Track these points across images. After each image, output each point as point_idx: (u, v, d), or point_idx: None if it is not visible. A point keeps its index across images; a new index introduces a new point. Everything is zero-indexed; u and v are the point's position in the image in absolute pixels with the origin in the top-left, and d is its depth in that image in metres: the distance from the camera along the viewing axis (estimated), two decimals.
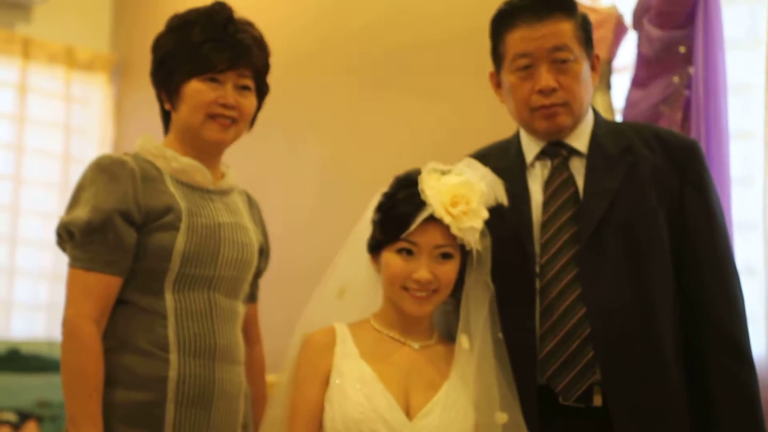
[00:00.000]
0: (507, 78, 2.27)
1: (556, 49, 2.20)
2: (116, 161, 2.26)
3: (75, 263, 2.20)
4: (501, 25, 2.28)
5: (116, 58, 6.58)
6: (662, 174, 2.21)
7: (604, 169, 2.23)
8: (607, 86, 3.71)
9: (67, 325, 2.17)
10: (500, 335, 2.15)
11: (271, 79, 2.45)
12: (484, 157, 2.31)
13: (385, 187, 2.20)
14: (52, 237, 2.33)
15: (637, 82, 3.56)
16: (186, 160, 2.32)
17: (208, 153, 2.37)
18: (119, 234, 2.19)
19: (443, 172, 2.14)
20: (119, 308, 2.23)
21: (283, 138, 5.17)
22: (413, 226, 2.07)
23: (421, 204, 2.07)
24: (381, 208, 2.16)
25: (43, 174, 6.24)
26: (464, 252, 2.14)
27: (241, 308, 2.40)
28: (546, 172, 2.28)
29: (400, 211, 2.09)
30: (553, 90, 2.20)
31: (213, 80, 2.29)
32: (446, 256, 2.10)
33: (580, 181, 2.24)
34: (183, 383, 2.22)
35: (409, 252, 2.09)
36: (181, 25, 2.35)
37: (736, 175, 3.35)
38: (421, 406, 2.06)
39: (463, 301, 2.15)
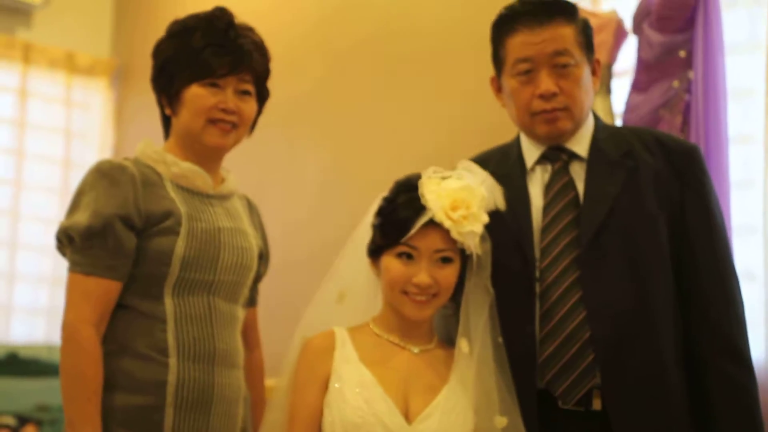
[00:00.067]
0: (508, 82, 2.27)
1: (556, 53, 2.20)
2: (116, 166, 2.26)
3: (75, 268, 2.21)
4: (502, 29, 2.28)
5: (117, 63, 6.58)
6: (662, 178, 2.22)
7: (604, 174, 2.23)
8: (607, 90, 3.72)
9: (67, 329, 2.17)
10: (500, 339, 2.15)
11: (272, 83, 2.45)
12: (485, 161, 2.31)
13: (385, 192, 2.20)
14: (52, 242, 2.33)
15: (637, 87, 3.56)
16: (186, 165, 2.32)
17: (209, 158, 2.37)
18: (119, 239, 2.19)
19: (443, 177, 2.14)
20: (119, 312, 2.23)
21: (282, 143, 5.17)
22: (413, 231, 2.06)
23: (421, 208, 2.07)
24: (381, 213, 2.16)
25: (43, 179, 6.24)
26: (464, 256, 2.14)
27: (240, 313, 2.40)
28: (546, 177, 2.28)
29: (400, 215, 2.09)
30: (554, 94, 2.20)
31: (213, 85, 2.30)
32: (446, 261, 2.10)
33: (580, 186, 2.24)
34: (182, 387, 2.22)
35: (409, 256, 2.09)
36: (181, 31, 2.35)
37: (735, 179, 3.34)
38: (420, 410, 2.06)
39: (463, 305, 2.15)
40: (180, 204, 2.27)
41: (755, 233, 3.36)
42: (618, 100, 3.72)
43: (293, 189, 5.15)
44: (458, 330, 2.14)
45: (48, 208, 6.19)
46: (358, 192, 3.77)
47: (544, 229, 2.21)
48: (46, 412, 5.30)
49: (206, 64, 2.29)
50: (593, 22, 2.36)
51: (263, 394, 2.54)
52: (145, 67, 2.48)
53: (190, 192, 2.33)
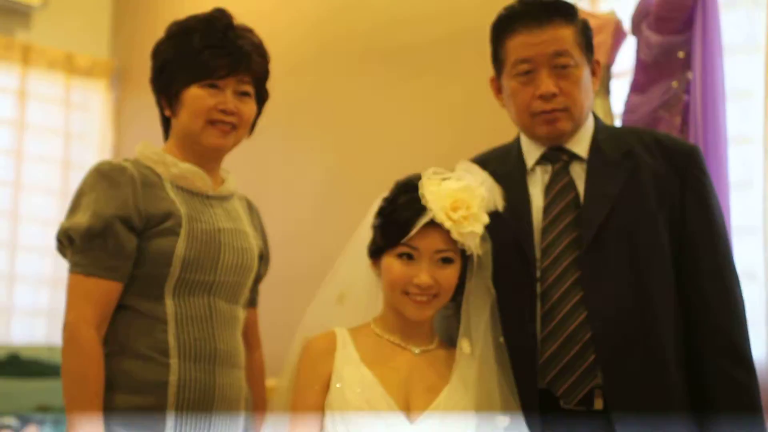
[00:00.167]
0: (508, 83, 2.28)
1: (556, 54, 2.21)
2: (116, 167, 2.26)
3: (75, 269, 2.21)
4: (501, 30, 2.29)
5: (116, 65, 6.58)
6: (662, 179, 2.22)
7: (604, 174, 2.23)
8: (606, 91, 3.72)
9: (68, 330, 2.18)
10: (501, 339, 2.15)
11: (271, 84, 2.46)
12: (485, 162, 2.31)
13: (385, 192, 2.20)
14: (52, 243, 2.33)
15: (636, 87, 3.56)
16: (186, 166, 2.33)
17: (208, 159, 2.37)
18: (119, 240, 2.19)
19: (443, 178, 2.14)
20: (120, 313, 2.24)
21: (282, 144, 5.18)
22: (414, 231, 2.07)
23: (421, 209, 2.08)
24: (381, 213, 2.16)
25: (42, 180, 6.24)
26: (465, 257, 2.14)
27: (241, 313, 2.40)
28: (546, 177, 2.28)
29: (400, 215, 2.09)
30: (554, 95, 2.21)
31: (213, 86, 2.30)
32: (447, 261, 2.11)
33: (580, 186, 2.24)
34: (183, 388, 2.22)
35: (410, 257, 2.09)
36: (180, 32, 2.35)
37: (735, 179, 3.35)
38: (421, 410, 2.06)
39: (464, 305, 2.15)
40: (180, 205, 2.28)
41: (755, 234, 3.37)
42: (617, 101, 3.73)
43: (294, 190, 5.15)
44: (459, 330, 2.14)
45: (48, 209, 6.19)
46: (359, 193, 3.77)
47: (545, 230, 2.21)
48: (48, 412, 5.29)
49: (205, 66, 2.29)
50: (592, 23, 2.36)
51: (264, 394, 2.54)
52: (144, 68, 2.48)
53: (189, 193, 2.33)
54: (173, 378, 2.21)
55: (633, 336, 2.12)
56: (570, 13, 2.25)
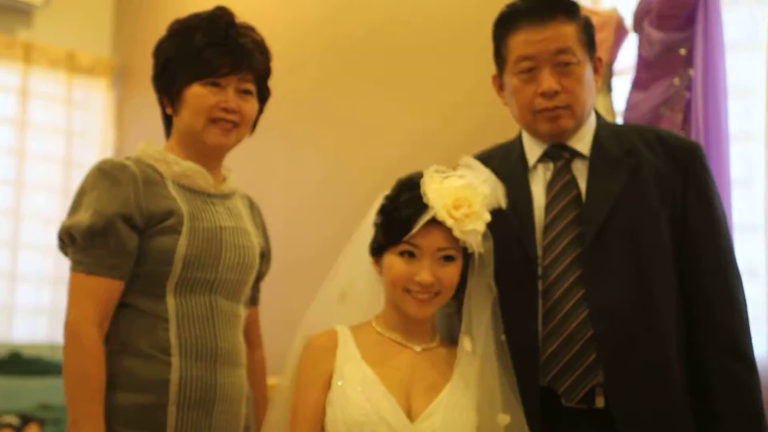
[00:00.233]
0: (510, 80, 2.27)
1: (558, 51, 2.20)
2: (118, 165, 2.26)
3: (77, 267, 2.21)
4: (503, 27, 2.28)
5: (117, 63, 6.59)
6: (664, 176, 2.21)
7: (606, 172, 2.23)
8: (608, 89, 3.72)
9: (69, 328, 2.18)
10: (503, 337, 2.15)
11: (273, 83, 2.46)
12: (487, 159, 2.31)
13: (387, 190, 2.20)
14: (53, 241, 2.34)
15: (638, 85, 3.56)
16: (187, 164, 2.33)
17: (210, 157, 2.37)
18: (121, 238, 2.19)
19: (445, 175, 2.13)
20: (121, 311, 2.24)
21: (284, 142, 5.18)
22: (415, 229, 2.06)
23: (423, 207, 2.07)
24: (383, 211, 2.16)
25: (44, 178, 6.25)
26: (466, 254, 2.14)
27: (242, 311, 2.40)
28: (548, 175, 2.28)
29: (402, 213, 2.09)
30: (556, 93, 2.20)
31: (214, 84, 2.30)
32: (448, 259, 2.10)
33: (582, 184, 2.24)
34: (185, 386, 2.22)
35: (411, 254, 2.09)
36: (182, 30, 2.35)
37: (736, 176, 3.35)
38: (423, 408, 2.06)
39: (466, 303, 2.14)
40: (181, 203, 2.28)
41: (757, 231, 3.37)
42: (619, 98, 3.73)
43: (295, 188, 5.16)
44: (461, 328, 2.14)
45: (49, 207, 6.20)
46: (360, 191, 3.77)
47: (547, 227, 2.21)
48: (49, 411, 5.30)
49: (207, 64, 2.29)
50: (594, 20, 2.36)
51: (265, 392, 2.54)
52: (145, 66, 2.48)
53: (191, 191, 2.33)
54: (174, 376, 2.21)
55: (635, 334, 2.12)
56: (572, 11, 2.25)
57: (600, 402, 2.12)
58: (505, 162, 2.34)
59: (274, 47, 2.44)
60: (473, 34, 3.38)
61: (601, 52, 3.43)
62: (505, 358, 2.14)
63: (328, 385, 2.10)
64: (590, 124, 2.31)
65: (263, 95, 2.43)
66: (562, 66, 2.21)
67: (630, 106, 3.57)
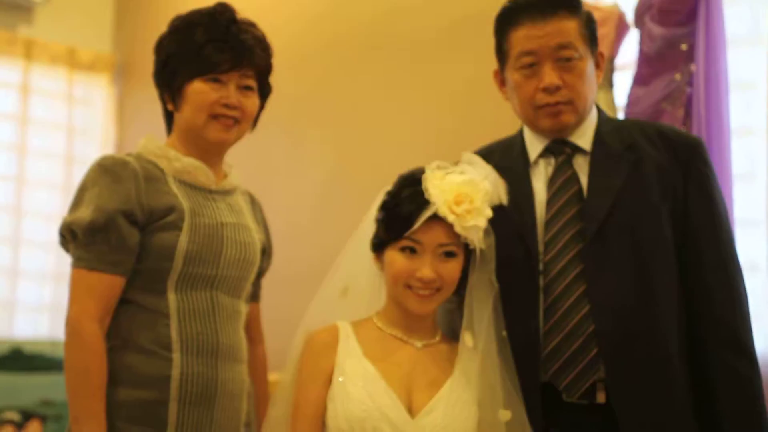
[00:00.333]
0: (511, 76, 2.27)
1: (560, 47, 2.20)
2: (119, 162, 2.26)
3: (78, 263, 2.21)
4: (505, 22, 2.28)
5: (118, 59, 6.59)
6: (666, 171, 2.21)
7: (607, 167, 2.23)
8: (609, 84, 3.72)
9: (71, 324, 2.18)
10: (504, 333, 2.15)
11: (274, 79, 2.45)
12: (488, 154, 2.31)
13: (388, 186, 2.20)
14: (55, 237, 2.34)
15: (639, 80, 3.56)
16: (188, 161, 2.33)
17: (211, 153, 2.38)
18: (122, 234, 2.19)
19: (447, 171, 2.13)
20: (122, 307, 2.24)
21: (285, 138, 5.18)
22: (417, 225, 2.06)
23: (424, 202, 2.07)
24: (384, 207, 2.16)
25: (45, 175, 6.25)
26: (468, 250, 2.13)
27: (243, 307, 2.41)
28: (550, 170, 2.28)
29: (403, 209, 2.09)
30: (558, 88, 2.20)
31: (215, 80, 2.30)
32: (450, 255, 2.10)
33: (583, 179, 2.23)
34: (186, 382, 2.22)
35: (413, 250, 2.09)
36: (183, 26, 2.35)
37: (738, 171, 3.35)
38: (424, 404, 2.06)
39: (467, 299, 2.14)
40: (182, 199, 2.28)
41: (758, 226, 3.37)
42: (620, 93, 3.72)
43: (296, 184, 5.15)
44: (462, 324, 2.14)
45: (50, 204, 6.20)
46: (362, 186, 3.76)
47: (548, 223, 2.21)
48: (51, 407, 5.31)
49: (208, 60, 2.29)
50: (595, 16, 2.35)
51: (266, 388, 2.55)
52: (146, 62, 2.48)
53: (192, 187, 2.33)
54: (176, 372, 2.21)
55: (636, 329, 2.12)
56: (574, 6, 2.24)
57: (601, 397, 2.11)
58: (506, 157, 2.34)
59: (275, 43, 2.45)
60: (475, 30, 3.38)
61: (603, 47, 3.42)
62: (506, 354, 2.13)
63: (329, 381, 2.10)
64: (592, 120, 2.31)
65: (264, 91, 2.43)
66: (564, 61, 2.21)
67: (631, 101, 3.57)
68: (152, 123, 2.73)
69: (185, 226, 2.25)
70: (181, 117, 2.34)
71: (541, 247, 2.20)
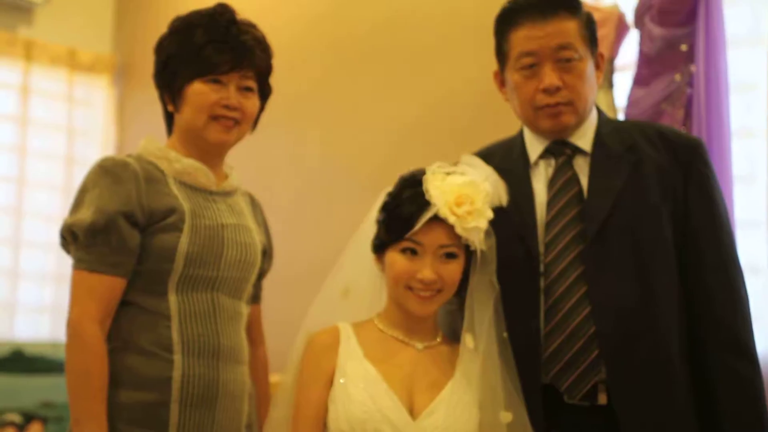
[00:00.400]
0: (511, 77, 2.27)
1: (560, 47, 2.20)
2: (119, 163, 2.26)
3: (79, 265, 2.21)
4: (505, 23, 2.28)
5: (118, 60, 6.59)
6: (666, 172, 2.21)
7: (608, 168, 2.23)
8: (609, 85, 3.72)
9: (72, 326, 2.17)
10: (505, 335, 2.15)
11: (274, 79, 2.45)
12: (488, 156, 2.31)
13: (389, 187, 2.20)
14: (55, 239, 2.34)
15: (639, 81, 3.56)
16: (189, 162, 2.33)
17: (211, 154, 2.37)
18: (123, 236, 2.19)
19: (448, 172, 2.13)
20: (123, 309, 2.24)
21: (286, 139, 5.18)
22: (418, 226, 2.06)
23: (425, 204, 2.07)
24: (385, 208, 2.16)
25: (46, 176, 6.25)
26: (469, 252, 2.13)
27: (244, 309, 2.40)
28: (550, 171, 2.28)
29: (404, 210, 2.09)
30: (558, 89, 2.20)
31: (216, 81, 2.30)
32: (450, 256, 2.10)
33: (584, 180, 2.23)
34: (187, 384, 2.22)
35: (414, 252, 2.09)
36: (183, 27, 2.35)
37: (738, 173, 3.35)
38: (425, 405, 2.06)
39: (468, 300, 2.14)
40: (183, 200, 2.28)
41: (759, 227, 3.37)
42: (620, 94, 3.73)
43: (297, 185, 5.15)
44: (463, 325, 2.14)
45: (51, 205, 6.20)
46: (363, 188, 3.77)
47: (548, 224, 2.21)
48: (52, 409, 5.31)
49: (208, 61, 2.29)
50: (595, 16, 2.35)
51: (268, 390, 2.54)
52: (147, 63, 2.48)
53: (193, 188, 2.33)
54: (177, 374, 2.21)
55: (637, 330, 2.12)
56: (574, 6, 2.24)
57: (602, 399, 2.11)
58: (506, 158, 2.34)
59: (275, 44, 2.44)
60: (475, 30, 3.38)
61: (603, 48, 3.42)
62: (507, 356, 2.13)
63: (330, 383, 2.10)
64: (592, 121, 2.31)
65: (264, 92, 2.43)
66: (564, 62, 2.20)
67: (631, 102, 3.57)
68: (152, 124, 2.72)
69: (186, 227, 2.25)
70: (182, 118, 2.34)
71: (541, 249, 2.20)
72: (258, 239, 2.43)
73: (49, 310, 6.14)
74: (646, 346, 2.11)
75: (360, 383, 2.07)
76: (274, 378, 2.53)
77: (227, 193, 2.42)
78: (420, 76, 4.61)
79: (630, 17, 3.68)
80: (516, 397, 2.10)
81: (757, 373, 2.15)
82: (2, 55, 6.13)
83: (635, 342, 2.11)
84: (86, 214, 2.19)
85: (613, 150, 2.25)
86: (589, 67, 2.24)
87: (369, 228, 2.21)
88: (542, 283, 2.18)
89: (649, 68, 3.52)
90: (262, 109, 2.44)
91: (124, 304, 2.24)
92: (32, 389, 5.41)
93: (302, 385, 2.13)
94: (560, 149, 2.28)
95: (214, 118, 2.30)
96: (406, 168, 2.21)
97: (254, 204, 2.55)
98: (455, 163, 2.20)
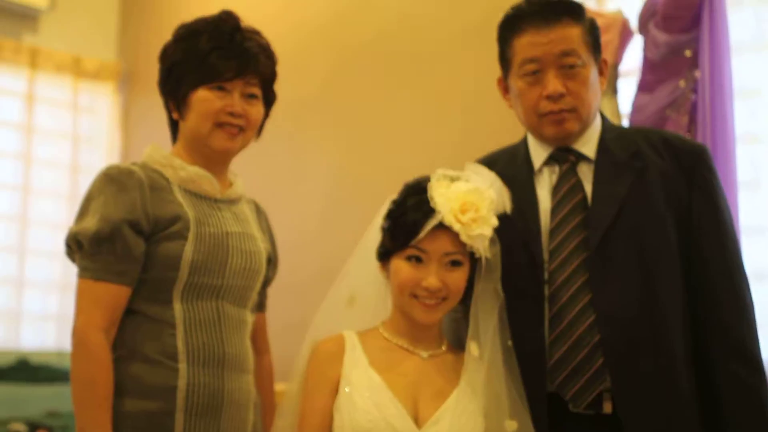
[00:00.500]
0: (515, 83, 2.27)
1: (564, 54, 2.20)
2: (124, 171, 2.26)
3: (84, 273, 2.21)
4: (509, 30, 2.28)
5: (123, 68, 6.59)
6: (670, 179, 2.21)
7: (612, 175, 2.23)
8: (614, 91, 3.71)
9: (77, 334, 2.18)
10: (510, 343, 2.14)
11: (279, 86, 2.46)
12: (493, 162, 2.31)
13: (394, 195, 2.20)
14: (61, 247, 2.34)
15: (644, 87, 3.56)
16: (194, 169, 2.33)
17: (216, 161, 2.38)
18: (128, 244, 2.19)
19: (452, 179, 2.13)
20: (128, 318, 2.24)
21: (290, 146, 5.17)
22: (422, 234, 2.06)
23: (430, 211, 2.07)
24: (390, 216, 2.16)
25: (51, 184, 6.24)
26: (473, 259, 2.13)
27: (249, 317, 2.40)
28: (554, 178, 2.28)
29: (409, 218, 2.09)
30: (561, 95, 2.20)
31: (220, 89, 2.30)
32: (455, 264, 2.10)
33: (588, 187, 2.23)
34: (192, 392, 2.22)
35: (419, 259, 2.09)
36: (188, 35, 2.35)
37: (743, 179, 3.34)
38: (430, 414, 2.06)
39: (473, 308, 2.14)
40: (188, 208, 2.28)
41: (764, 234, 3.36)
42: (624, 100, 3.72)
43: (302, 192, 5.15)
44: (468, 333, 2.14)
45: (56, 213, 6.19)
46: (367, 195, 3.76)
47: (552, 231, 2.21)
48: (57, 418, 5.30)
49: (213, 68, 2.29)
50: (599, 22, 2.35)
51: (273, 398, 2.54)
52: (151, 71, 2.49)
53: (197, 196, 2.33)
54: (182, 382, 2.21)
55: (642, 338, 2.11)
56: (577, 13, 2.24)
57: (608, 407, 2.11)
58: (510, 165, 2.34)
59: (280, 51, 2.45)
60: (479, 37, 3.38)
61: (607, 54, 3.42)
62: (512, 364, 2.13)
63: (335, 391, 2.10)
64: (596, 127, 2.31)
65: (269, 99, 2.43)
66: (568, 68, 2.20)
67: (635, 108, 3.56)
68: (157, 131, 2.73)
69: (191, 235, 2.25)
70: (186, 125, 2.34)
71: (546, 256, 2.20)
72: (263, 247, 2.43)
73: (54, 318, 6.13)
74: (650, 355, 2.11)
75: (365, 392, 2.06)
76: (279, 386, 2.52)
77: (232, 201, 2.42)
78: (424, 83, 4.61)
79: (634, 23, 3.68)
80: (521, 405, 2.10)
81: (762, 381, 2.14)
82: (7, 63, 6.13)
83: (640, 350, 2.10)
84: (91, 223, 2.20)
85: (618, 156, 2.25)
86: (593, 73, 2.24)
87: (373, 235, 2.21)
88: (547, 291, 2.17)
89: (653, 74, 3.52)
90: (266, 116, 2.44)
91: (129, 312, 2.24)
92: (38, 398, 5.40)
93: (307, 393, 2.13)
94: (564, 156, 2.28)
95: (219, 125, 2.31)
96: (411, 175, 2.21)
97: (259, 211, 2.55)
98: (460, 170, 2.20)
